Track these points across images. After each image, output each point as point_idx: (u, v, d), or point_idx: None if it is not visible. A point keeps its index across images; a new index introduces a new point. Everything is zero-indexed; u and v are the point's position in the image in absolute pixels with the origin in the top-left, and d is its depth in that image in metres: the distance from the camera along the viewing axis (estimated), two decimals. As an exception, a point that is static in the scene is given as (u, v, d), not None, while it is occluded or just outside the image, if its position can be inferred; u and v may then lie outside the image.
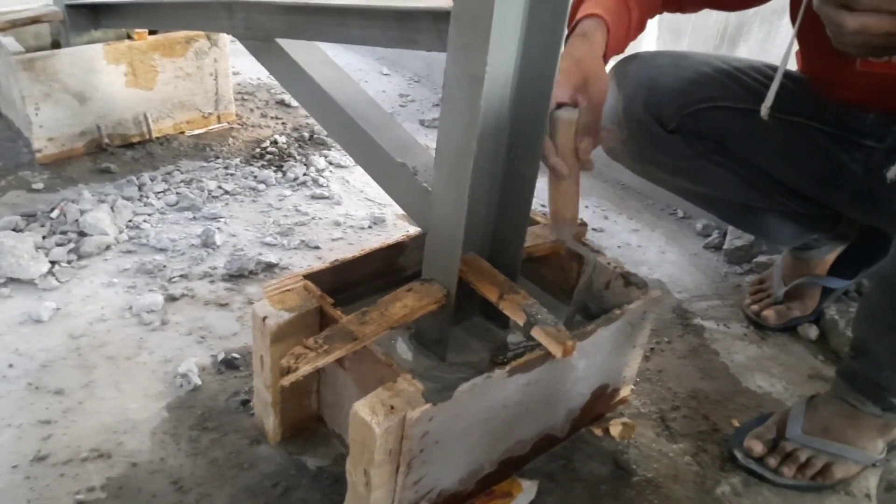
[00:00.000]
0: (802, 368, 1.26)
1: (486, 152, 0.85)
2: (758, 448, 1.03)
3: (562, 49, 0.82)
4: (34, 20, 1.66)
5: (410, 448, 0.79)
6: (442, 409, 0.79)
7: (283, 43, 1.17)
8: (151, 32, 1.73)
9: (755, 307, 1.35)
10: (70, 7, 1.65)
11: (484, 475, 0.93)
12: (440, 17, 0.89)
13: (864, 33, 0.75)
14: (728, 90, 1.14)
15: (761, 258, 1.51)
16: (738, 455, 1.04)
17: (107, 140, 1.71)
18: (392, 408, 0.77)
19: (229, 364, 1.14)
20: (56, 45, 1.72)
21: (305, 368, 0.79)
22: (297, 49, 1.17)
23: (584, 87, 0.94)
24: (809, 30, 0.92)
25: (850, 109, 1.09)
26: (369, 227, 1.55)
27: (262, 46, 1.21)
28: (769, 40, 1.95)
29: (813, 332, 1.32)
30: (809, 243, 1.31)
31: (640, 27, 1.10)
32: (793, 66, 1.15)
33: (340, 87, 1.11)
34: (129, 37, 1.72)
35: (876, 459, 1.03)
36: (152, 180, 1.62)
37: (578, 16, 1.02)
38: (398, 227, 1.54)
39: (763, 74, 1.15)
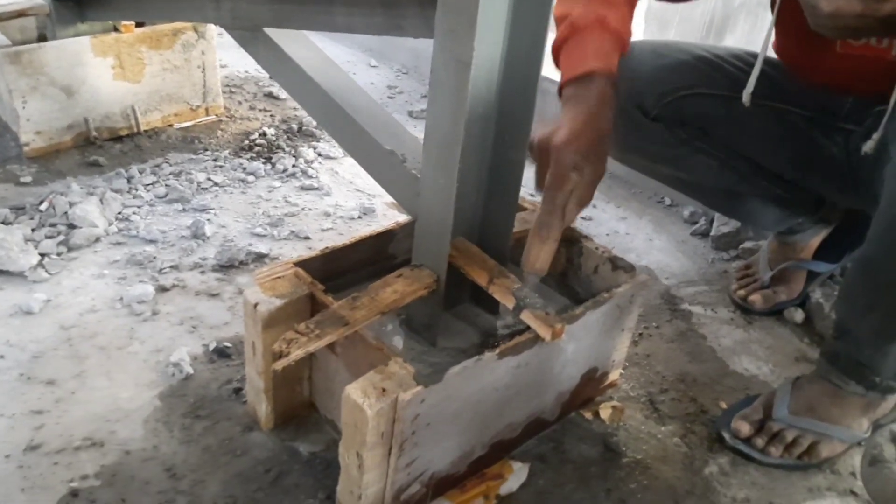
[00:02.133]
0: (788, 351, 1.27)
1: (473, 138, 0.86)
2: (745, 429, 1.04)
3: (548, 34, 0.83)
4: (20, 14, 1.65)
5: (402, 430, 0.79)
6: (433, 392, 0.80)
7: (271, 32, 1.17)
8: (138, 25, 1.72)
9: (742, 292, 1.37)
10: (56, 0, 1.64)
11: (475, 458, 0.94)
12: (426, 2, 0.90)
13: (838, 16, 0.77)
14: (709, 77, 1.15)
15: (748, 244, 1.52)
16: (726, 436, 1.06)
17: (95, 133, 1.71)
18: (384, 390, 0.78)
19: (221, 353, 1.14)
20: (42, 38, 1.71)
21: (297, 353, 0.80)
22: (285, 39, 1.17)
23: (595, 152, 0.91)
24: (788, 15, 0.94)
25: (829, 94, 1.10)
26: (359, 217, 1.55)
27: (249, 37, 1.21)
28: (755, 32, 1.97)
29: (798, 315, 1.34)
30: (794, 227, 1.33)
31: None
32: (773, 52, 1.16)
33: (329, 75, 1.11)
34: (115, 29, 1.71)
35: (861, 438, 1.04)
36: (141, 173, 1.62)
37: (580, 69, 0.95)
38: (388, 217, 1.55)
39: (743, 61, 1.16)
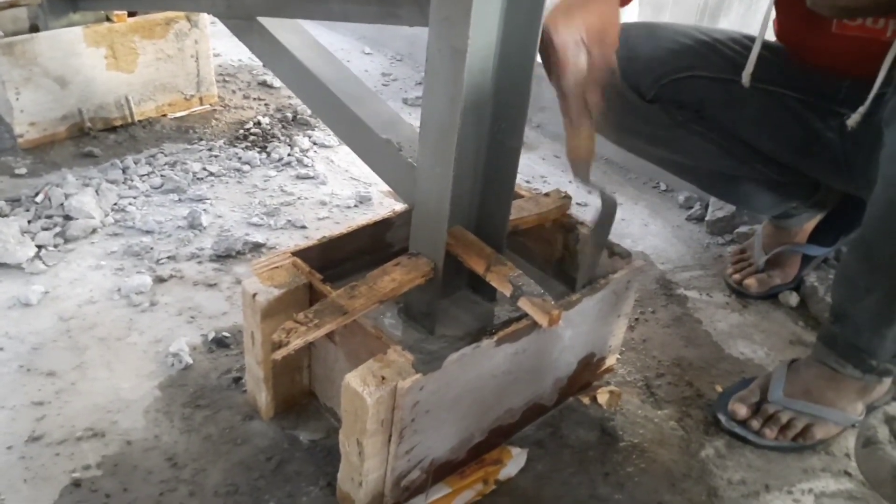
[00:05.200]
0: (783, 334, 1.28)
1: (470, 125, 0.86)
2: (742, 411, 1.05)
3: (543, 20, 0.83)
4: (11, 4, 1.64)
5: (402, 417, 0.80)
6: (432, 379, 0.80)
7: (265, 21, 1.17)
8: (130, 14, 1.71)
9: (737, 276, 1.38)
10: (48, -10, 1.63)
11: (475, 444, 0.95)
12: (421, -9, 0.90)
13: None
14: (706, 60, 1.15)
15: (742, 228, 1.53)
16: (722, 419, 1.07)
17: (89, 124, 1.70)
18: (383, 378, 0.78)
19: (220, 343, 1.15)
20: (34, 28, 1.70)
21: (297, 342, 0.80)
22: (279, 27, 1.17)
23: (597, 34, 0.87)
24: None
25: (825, 77, 1.10)
26: (355, 205, 1.56)
27: (243, 25, 1.21)
28: (749, 15, 1.97)
29: (793, 299, 1.34)
30: (789, 211, 1.34)
31: None
32: (771, 36, 1.16)
33: (323, 64, 1.11)
34: (108, 19, 1.70)
35: (855, 420, 1.05)
36: (136, 163, 1.61)
37: None
38: (384, 206, 1.55)
39: (740, 44, 1.16)
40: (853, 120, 0.96)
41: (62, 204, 1.41)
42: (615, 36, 0.89)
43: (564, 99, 0.88)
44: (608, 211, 0.97)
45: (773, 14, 1.14)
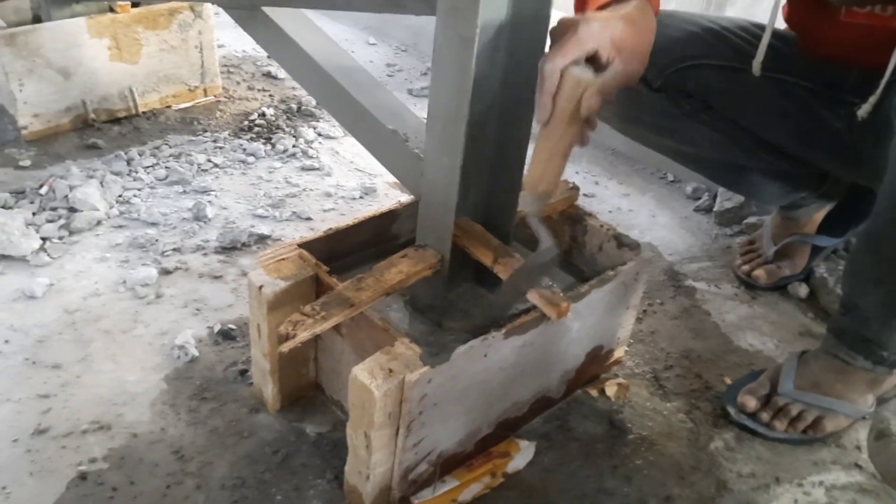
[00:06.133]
0: (793, 326, 1.27)
1: (477, 116, 0.85)
2: (751, 403, 1.05)
3: (552, 9, 0.82)
4: (14, -6, 1.64)
5: (409, 410, 0.80)
6: (440, 372, 0.80)
7: (270, 11, 1.16)
8: (134, 5, 1.70)
9: (746, 267, 1.36)
10: (50, -20, 1.62)
11: (482, 436, 0.94)
12: (428, -21, 0.89)
13: None
14: (713, 49, 1.14)
15: (751, 219, 1.52)
16: (731, 411, 1.06)
17: (93, 115, 1.69)
18: (391, 371, 0.78)
19: (226, 335, 1.14)
20: (37, 19, 1.69)
21: (303, 335, 0.80)
22: (284, 17, 1.16)
23: (624, 46, 0.81)
24: None
25: (833, 66, 1.09)
26: (360, 197, 1.55)
27: (247, 15, 1.20)
28: (757, 3, 1.95)
29: (803, 290, 1.33)
30: (797, 202, 1.32)
31: None
32: (780, 24, 1.15)
33: (328, 54, 1.10)
34: (111, 10, 1.69)
35: (866, 413, 1.05)
36: (140, 155, 1.61)
37: None
38: (389, 197, 1.54)
39: (749, 33, 1.15)
40: (864, 110, 0.94)
41: (67, 196, 1.41)
42: (644, 58, 0.84)
43: (546, 119, 0.82)
44: (543, 260, 0.87)
45: (783, 1, 1.13)
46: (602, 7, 0.85)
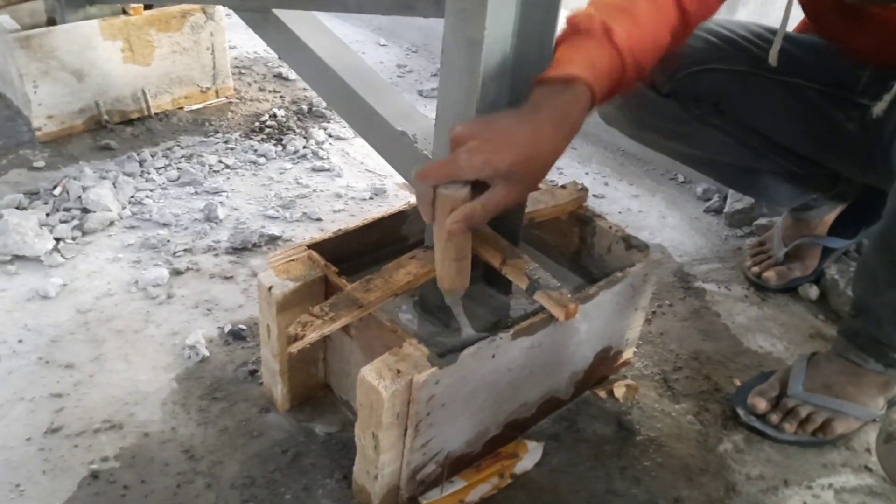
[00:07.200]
0: (803, 328, 1.27)
1: (485, 118, 0.85)
2: (761, 405, 1.04)
3: (560, 11, 0.82)
4: (29, -3, 1.65)
5: (417, 411, 0.80)
6: (448, 373, 0.80)
7: (280, 13, 1.17)
8: (147, 7, 1.72)
9: (756, 269, 1.36)
10: (64, -17, 1.64)
11: (490, 437, 0.95)
12: (437, -18, 0.89)
13: None
14: (723, 53, 1.14)
15: (762, 220, 1.51)
16: (741, 413, 1.06)
17: (106, 117, 1.71)
18: (399, 372, 0.78)
19: (236, 335, 1.15)
20: (51, 22, 1.71)
21: (312, 336, 0.80)
22: (295, 19, 1.16)
23: (512, 173, 0.75)
24: None
25: (846, 67, 1.08)
26: (370, 198, 1.55)
27: (258, 18, 1.21)
28: (768, 4, 1.94)
29: (813, 292, 1.33)
30: (809, 203, 1.32)
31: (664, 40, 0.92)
32: (792, 21, 1.14)
33: (339, 56, 1.11)
34: (124, 12, 1.70)
35: (876, 415, 1.04)
36: (153, 156, 1.62)
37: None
38: (399, 198, 1.55)
39: (758, 36, 1.14)
40: (879, 108, 0.94)
41: (80, 197, 1.42)
42: (542, 175, 0.80)
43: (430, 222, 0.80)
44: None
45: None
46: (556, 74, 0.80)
